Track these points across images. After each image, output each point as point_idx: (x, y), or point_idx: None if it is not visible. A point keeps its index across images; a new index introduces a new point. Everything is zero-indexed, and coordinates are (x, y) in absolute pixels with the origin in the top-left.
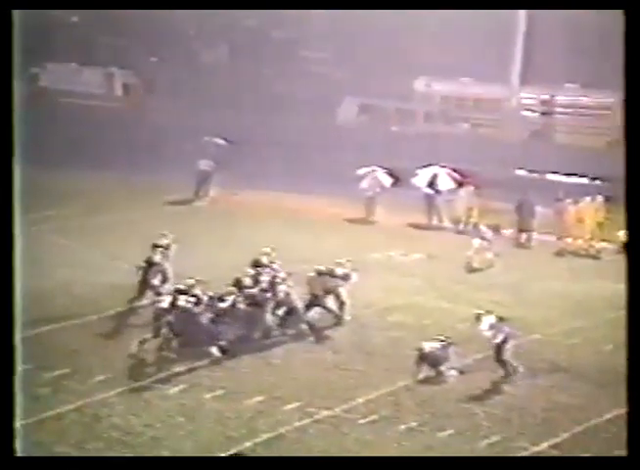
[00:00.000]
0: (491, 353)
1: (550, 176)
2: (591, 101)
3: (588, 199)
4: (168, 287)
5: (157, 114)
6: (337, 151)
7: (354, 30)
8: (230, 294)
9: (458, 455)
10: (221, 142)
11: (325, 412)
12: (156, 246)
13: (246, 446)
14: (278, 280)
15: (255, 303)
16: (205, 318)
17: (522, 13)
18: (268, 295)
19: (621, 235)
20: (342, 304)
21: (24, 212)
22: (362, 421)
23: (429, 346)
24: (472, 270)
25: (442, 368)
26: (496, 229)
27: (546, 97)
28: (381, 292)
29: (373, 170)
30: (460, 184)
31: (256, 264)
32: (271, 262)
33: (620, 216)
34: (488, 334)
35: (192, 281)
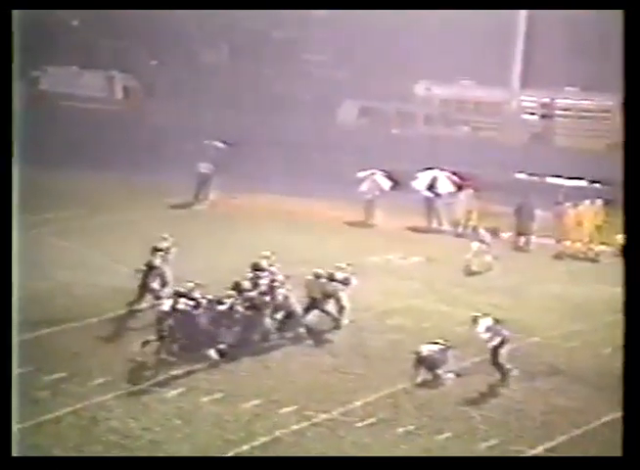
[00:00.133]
0: (489, 357)
1: (550, 179)
2: (591, 104)
3: (587, 202)
4: (168, 290)
5: (157, 116)
6: (336, 153)
7: (354, 32)
8: (229, 297)
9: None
10: (221, 145)
11: (323, 415)
12: (156, 249)
13: (243, 450)
14: (277, 284)
15: (254, 306)
16: (205, 321)
17: (522, 16)
18: (267, 298)
19: (620, 238)
20: (341, 308)
21: (24, 214)
22: (360, 424)
23: (426, 349)
24: (471, 273)
25: (440, 371)
26: (495, 232)
27: (546, 100)
28: (379, 295)
29: (372, 173)
30: (460, 187)
31: (256, 268)
32: (270, 266)
33: (619, 220)
34: (485, 336)
35: (191, 284)
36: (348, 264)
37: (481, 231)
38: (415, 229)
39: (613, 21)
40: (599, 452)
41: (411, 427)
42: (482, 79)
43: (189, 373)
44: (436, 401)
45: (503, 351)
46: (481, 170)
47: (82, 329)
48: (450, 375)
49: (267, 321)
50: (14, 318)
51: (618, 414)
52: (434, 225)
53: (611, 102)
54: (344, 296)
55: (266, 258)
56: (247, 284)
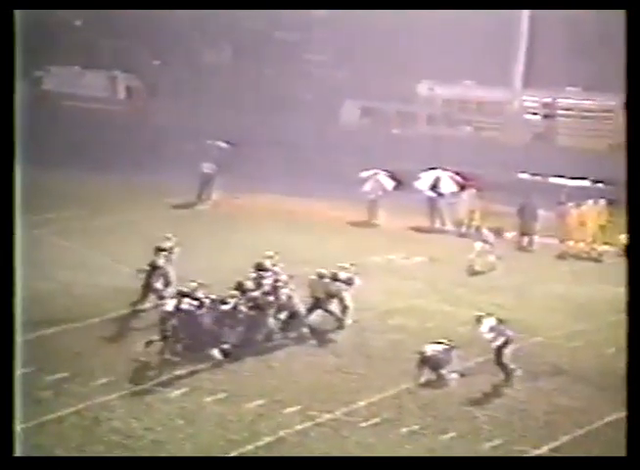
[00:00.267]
0: (493, 357)
1: (552, 179)
2: (593, 104)
3: (590, 202)
4: (171, 290)
5: (159, 116)
6: (339, 154)
7: (356, 33)
8: (233, 298)
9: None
10: (223, 145)
11: (326, 415)
12: (159, 249)
13: (247, 450)
14: (280, 284)
15: (258, 306)
16: (208, 321)
17: (524, 16)
18: (271, 298)
19: (623, 238)
20: (345, 308)
21: (26, 214)
22: (363, 424)
23: (430, 349)
24: (474, 273)
25: (444, 371)
26: (498, 232)
27: (548, 100)
28: (382, 295)
29: (375, 173)
30: (462, 187)
31: (259, 268)
32: (274, 266)
33: (623, 220)
34: (489, 336)
35: (194, 284)
36: (352, 265)
37: (485, 231)
38: (418, 229)
39: (615, 20)
40: (603, 452)
41: (415, 427)
42: (485, 79)
43: (192, 373)
44: (440, 402)
45: (507, 351)
46: (484, 170)
47: (84, 329)
48: (454, 375)
49: (271, 321)
50: (16, 318)
51: (622, 414)
52: (437, 225)
53: (613, 102)
54: (348, 296)
55: (270, 258)
56: (250, 284)
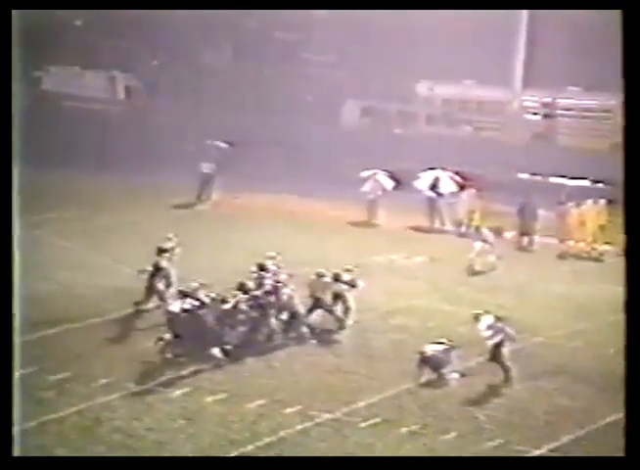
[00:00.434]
0: (489, 354)
1: (552, 179)
2: (593, 103)
3: (590, 202)
4: (173, 291)
5: (159, 116)
6: (339, 153)
7: (356, 32)
8: (234, 297)
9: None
10: (223, 145)
11: (327, 415)
12: (161, 250)
13: (248, 450)
14: (281, 284)
15: (260, 306)
16: (210, 320)
17: (524, 16)
18: (272, 298)
19: (623, 237)
20: (347, 309)
21: (26, 215)
22: (364, 424)
23: (431, 349)
24: (474, 273)
25: (444, 371)
26: (498, 232)
27: (548, 99)
28: (383, 295)
29: (375, 173)
30: (462, 187)
31: (261, 268)
32: (276, 266)
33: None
34: (486, 334)
35: (196, 284)
36: (356, 266)
37: (485, 231)
38: (418, 229)
39: (614, 20)
40: (603, 453)
41: (415, 427)
42: (485, 79)
43: (193, 373)
44: (441, 401)
45: (505, 349)
46: (484, 170)
47: (85, 329)
48: (454, 375)
49: (273, 322)
50: (16, 319)
51: (622, 414)
52: (437, 225)
53: (613, 101)
54: (351, 297)
55: (271, 258)
56: (251, 284)
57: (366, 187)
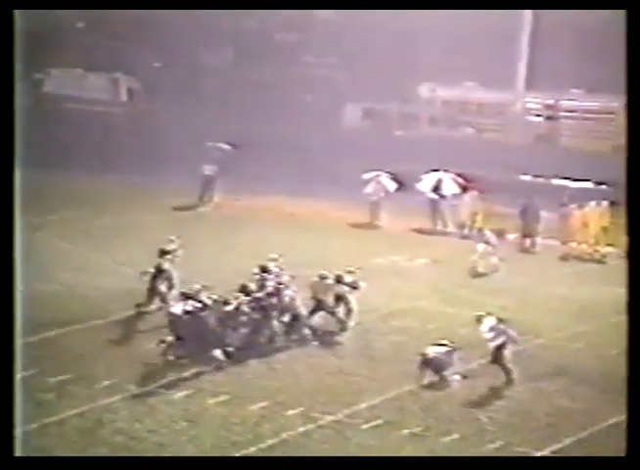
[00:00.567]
0: (490, 356)
1: (555, 181)
2: (596, 105)
3: (593, 203)
4: (175, 293)
5: (161, 118)
6: (341, 155)
7: (357, 34)
8: (236, 299)
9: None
10: (225, 147)
11: (328, 417)
12: (163, 252)
13: (250, 451)
14: (283, 286)
15: (262, 307)
16: (213, 322)
17: (527, 17)
18: (274, 300)
19: (626, 239)
20: (349, 310)
21: (28, 217)
22: (365, 426)
23: (432, 351)
24: (476, 275)
25: (446, 373)
26: (501, 234)
27: (551, 101)
28: (385, 297)
29: (377, 175)
30: (464, 189)
31: (263, 270)
32: (279, 269)
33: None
34: (488, 336)
35: (198, 286)
36: (358, 268)
37: (487, 233)
38: (420, 231)
39: (617, 22)
40: (605, 454)
41: (417, 429)
42: (487, 81)
43: (195, 375)
44: (442, 403)
45: (507, 351)
46: (486, 172)
47: (87, 331)
48: (456, 377)
49: (275, 324)
50: (18, 321)
51: (624, 416)
52: (439, 227)
53: (616, 103)
54: (353, 299)
55: (273, 260)
56: (253, 286)
57: (368, 189)
